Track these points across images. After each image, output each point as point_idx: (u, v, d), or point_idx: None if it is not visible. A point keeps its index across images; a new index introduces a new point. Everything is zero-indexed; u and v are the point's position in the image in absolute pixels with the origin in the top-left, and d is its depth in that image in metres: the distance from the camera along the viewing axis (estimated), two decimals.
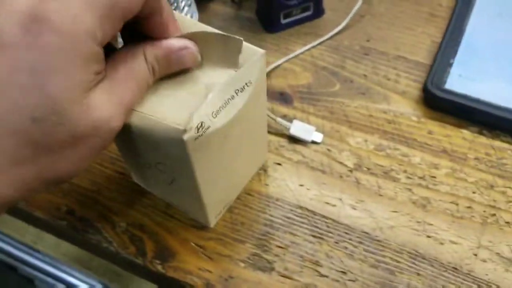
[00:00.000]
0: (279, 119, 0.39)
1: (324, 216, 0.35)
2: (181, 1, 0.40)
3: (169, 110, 0.26)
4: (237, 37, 0.26)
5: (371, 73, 0.43)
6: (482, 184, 0.36)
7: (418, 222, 0.34)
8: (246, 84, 0.28)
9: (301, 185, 0.36)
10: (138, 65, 0.25)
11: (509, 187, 0.36)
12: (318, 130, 0.39)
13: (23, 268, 0.72)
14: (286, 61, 0.44)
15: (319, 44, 0.45)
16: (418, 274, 0.32)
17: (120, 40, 0.28)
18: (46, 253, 0.62)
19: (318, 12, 0.47)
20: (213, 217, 0.34)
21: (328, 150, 0.38)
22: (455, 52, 0.41)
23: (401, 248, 0.33)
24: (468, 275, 0.32)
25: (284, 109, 0.41)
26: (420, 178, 0.36)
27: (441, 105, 0.39)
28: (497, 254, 0.32)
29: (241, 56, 0.27)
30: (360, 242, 0.33)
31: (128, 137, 0.28)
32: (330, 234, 0.34)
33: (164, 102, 0.26)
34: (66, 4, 0.20)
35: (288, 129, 0.38)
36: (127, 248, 0.34)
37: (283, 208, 0.35)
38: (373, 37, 0.45)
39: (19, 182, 0.21)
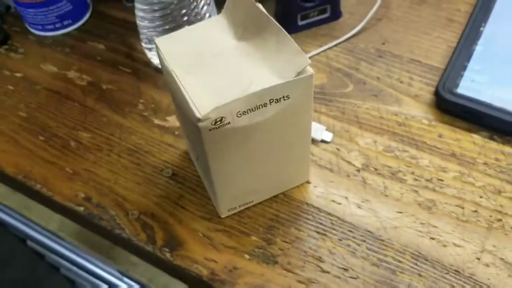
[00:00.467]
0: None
1: (329, 214, 0.35)
2: (200, 0, 0.41)
3: (204, 92, 0.27)
4: (308, 57, 0.27)
5: (384, 76, 0.43)
6: (489, 189, 0.36)
7: (422, 223, 0.34)
8: (283, 97, 0.28)
9: (309, 182, 0.37)
10: None
11: None
12: (328, 129, 0.39)
13: (50, 256, 0.75)
14: None
15: (335, 46, 0.46)
16: (420, 275, 0.32)
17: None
18: (70, 241, 0.65)
19: (335, 14, 0.47)
20: (225, 209, 0.35)
21: (337, 149, 0.39)
22: (469, 57, 0.41)
23: (404, 248, 0.33)
24: (470, 279, 0.32)
25: None
26: (427, 180, 0.36)
27: (453, 109, 0.39)
28: (501, 259, 0.33)
29: (292, 67, 0.28)
30: (363, 241, 0.34)
31: (177, 100, 0.30)
32: (334, 231, 0.34)
33: (207, 82, 0.28)
34: None
35: None
36: (138, 235, 0.35)
37: (290, 204, 0.36)
38: (388, 40, 0.46)
39: None
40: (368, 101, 0.42)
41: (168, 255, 0.34)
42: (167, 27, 0.41)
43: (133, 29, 0.48)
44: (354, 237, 0.34)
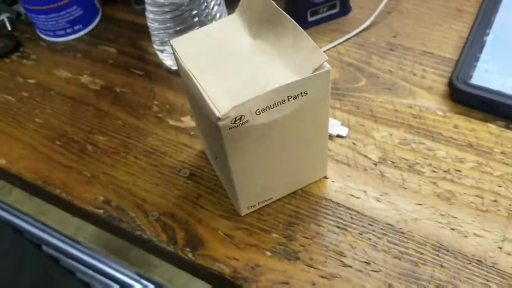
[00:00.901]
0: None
1: (348, 208, 0.35)
2: (211, 1, 0.41)
3: (222, 92, 0.27)
4: (324, 54, 0.27)
5: (396, 69, 0.43)
6: (508, 178, 0.36)
7: (442, 215, 0.34)
8: (301, 93, 0.28)
9: (326, 178, 0.37)
10: None
11: None
12: (343, 124, 0.40)
13: (66, 260, 0.76)
14: None
15: (346, 40, 0.46)
16: (442, 266, 0.32)
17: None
18: (86, 245, 0.65)
19: (345, 9, 0.47)
20: (245, 207, 0.35)
21: (353, 144, 0.39)
22: (481, 47, 0.41)
23: (425, 240, 0.33)
24: (492, 268, 0.32)
25: None
26: (445, 171, 0.36)
27: (467, 99, 0.39)
28: None
29: (309, 63, 0.28)
30: (384, 234, 0.34)
31: (194, 100, 0.31)
32: (354, 226, 0.35)
33: (224, 81, 0.28)
34: None
35: None
36: (159, 236, 0.36)
37: (309, 200, 0.36)
38: (399, 33, 0.46)
39: None
40: (382, 94, 0.42)
41: (190, 254, 0.35)
42: (178, 28, 0.41)
43: (143, 31, 0.48)
44: (374, 231, 0.34)
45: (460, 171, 0.36)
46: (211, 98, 0.27)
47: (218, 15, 0.43)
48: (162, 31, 0.42)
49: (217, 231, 0.35)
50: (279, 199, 0.36)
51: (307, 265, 0.33)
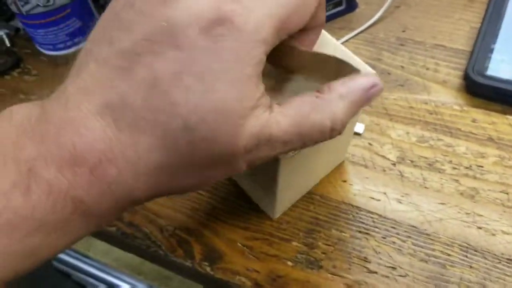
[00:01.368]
0: None
1: (369, 211, 0.34)
2: None
3: None
4: (356, 67, 0.25)
5: (408, 64, 0.42)
6: None
7: (467, 213, 0.33)
8: None
9: (344, 181, 0.36)
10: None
11: None
12: (358, 122, 0.38)
13: (77, 275, 0.75)
14: None
15: (354, 37, 0.44)
16: (471, 267, 0.31)
17: None
18: (97, 260, 0.64)
19: (351, 6, 0.46)
20: (280, 211, 0.35)
21: (369, 144, 0.38)
22: (495, 37, 0.40)
23: (451, 241, 0.32)
24: None
25: None
26: (467, 168, 0.35)
27: (484, 92, 0.38)
28: None
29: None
30: (408, 236, 0.33)
31: None
32: (376, 229, 0.33)
33: None
34: (251, 8, 0.19)
35: None
36: (175, 251, 0.34)
37: (328, 205, 0.35)
38: (408, 27, 0.45)
39: (152, 189, 0.20)
40: (395, 91, 0.40)
41: (208, 269, 0.33)
42: None
43: None
44: (398, 234, 0.33)
45: (482, 166, 0.35)
46: None
47: None
48: None
49: (235, 243, 0.34)
50: (296, 206, 0.35)
51: (330, 274, 0.32)
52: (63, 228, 0.19)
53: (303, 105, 0.21)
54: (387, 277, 0.31)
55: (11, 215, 0.18)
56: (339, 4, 0.45)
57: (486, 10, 0.42)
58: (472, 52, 0.39)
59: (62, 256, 0.72)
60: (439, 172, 0.35)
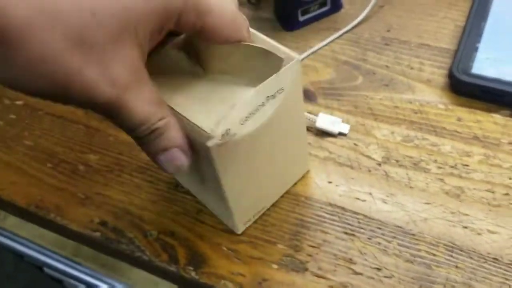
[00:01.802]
0: (305, 114, 0.38)
1: (355, 212, 0.34)
2: None
3: (199, 113, 0.26)
4: (279, 55, 0.26)
5: (393, 64, 0.42)
6: None
7: (452, 213, 0.33)
8: (278, 91, 0.27)
9: (330, 182, 0.36)
10: None
11: None
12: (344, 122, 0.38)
13: (68, 281, 0.74)
14: (307, 58, 0.43)
15: (339, 38, 0.44)
16: (457, 267, 0.31)
17: None
18: (87, 265, 0.64)
19: (336, 6, 0.46)
20: (242, 224, 0.34)
21: (355, 144, 0.37)
22: (480, 35, 0.40)
23: (437, 240, 0.32)
24: (510, 266, 0.30)
25: (308, 107, 0.40)
26: (452, 167, 0.35)
27: (469, 90, 0.38)
28: None
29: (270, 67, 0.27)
30: (394, 237, 0.32)
31: None
32: (362, 230, 0.33)
33: (196, 104, 0.26)
34: None
35: (314, 122, 0.38)
36: (160, 256, 0.34)
37: (313, 206, 0.35)
38: (393, 26, 0.44)
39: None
40: (380, 91, 0.40)
41: (193, 273, 0.33)
42: None
43: None
44: (383, 234, 0.33)
45: (467, 165, 0.35)
46: (192, 119, 0.25)
47: None
48: None
49: (220, 246, 0.34)
50: (281, 208, 0.35)
51: (316, 276, 0.32)
52: None
53: None
54: (372, 278, 0.31)
55: None
56: (324, 4, 0.45)
57: (471, 9, 0.42)
58: (456, 51, 0.39)
59: (54, 262, 0.71)
60: (424, 171, 0.35)
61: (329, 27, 0.46)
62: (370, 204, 0.34)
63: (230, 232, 0.34)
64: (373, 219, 0.33)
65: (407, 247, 0.32)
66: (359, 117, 0.39)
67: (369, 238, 0.33)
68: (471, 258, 0.31)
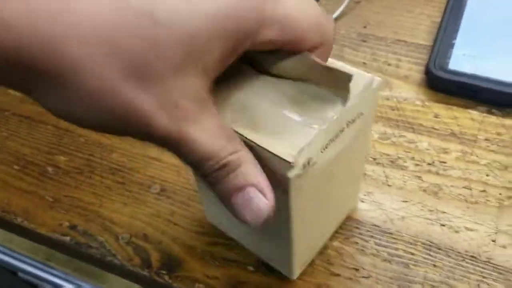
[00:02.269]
0: None
1: None
2: None
3: (271, 137, 0.21)
4: (346, 71, 0.21)
5: (370, 60, 0.41)
6: (495, 166, 0.34)
7: (430, 210, 0.32)
8: (358, 115, 0.24)
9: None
10: None
11: None
12: None
13: (43, 285, 0.73)
14: None
15: None
16: (435, 266, 0.30)
17: None
18: (61, 270, 0.62)
19: None
20: (298, 267, 0.30)
21: None
22: (456, 31, 0.39)
23: (415, 239, 0.31)
24: (488, 263, 0.30)
25: None
26: (429, 164, 0.35)
27: (446, 86, 0.37)
28: None
29: (354, 84, 0.23)
30: (371, 236, 0.32)
31: None
32: (340, 230, 0.32)
33: (266, 127, 0.22)
34: None
35: None
36: (132, 260, 0.33)
37: None
38: (370, 23, 0.44)
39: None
40: None
41: (166, 277, 0.32)
42: None
43: None
44: (361, 234, 0.32)
45: (445, 162, 0.35)
46: (265, 146, 0.21)
47: None
48: None
49: (195, 249, 0.33)
50: None
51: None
52: None
53: None
54: (350, 279, 0.30)
55: None
56: None
57: (447, 5, 0.41)
58: (433, 47, 0.39)
59: (26, 267, 0.70)
60: (402, 169, 0.35)
61: None
62: None
63: (205, 233, 0.33)
64: (351, 218, 0.33)
65: (385, 246, 0.31)
66: None
67: (346, 238, 0.32)
68: (449, 256, 0.31)
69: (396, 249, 0.31)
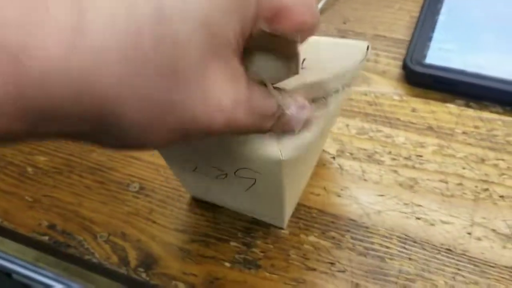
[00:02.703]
0: None
1: (308, 207, 0.33)
2: None
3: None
4: (291, 36, 0.19)
5: None
6: (472, 159, 0.34)
7: (406, 204, 0.32)
8: (346, 84, 0.24)
9: None
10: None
11: (502, 159, 0.34)
12: None
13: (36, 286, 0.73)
14: None
15: None
16: (410, 259, 0.30)
17: None
18: (50, 270, 0.62)
19: None
20: (287, 218, 0.32)
21: None
22: (434, 25, 0.39)
23: (390, 233, 0.31)
24: (463, 256, 0.30)
25: None
26: (406, 158, 0.35)
27: (423, 80, 0.37)
28: (493, 230, 0.31)
29: (346, 52, 0.24)
30: (347, 230, 0.32)
31: (201, 150, 0.25)
32: (316, 225, 0.32)
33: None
34: None
35: None
36: (110, 258, 0.33)
37: None
38: (349, 19, 0.44)
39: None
40: None
41: (143, 275, 0.32)
42: None
43: None
44: (337, 228, 0.32)
45: (421, 156, 0.35)
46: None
47: None
48: None
49: (172, 246, 0.33)
50: None
51: (269, 273, 0.31)
52: None
53: None
54: (326, 273, 0.30)
55: None
56: None
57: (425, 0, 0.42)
58: (410, 42, 0.39)
59: (18, 268, 0.70)
60: (378, 163, 0.35)
61: None
62: (324, 198, 0.33)
63: (182, 231, 0.33)
64: (327, 213, 0.33)
65: (361, 240, 0.31)
66: None
67: (323, 233, 0.32)
68: (424, 249, 0.31)
69: (372, 243, 0.31)
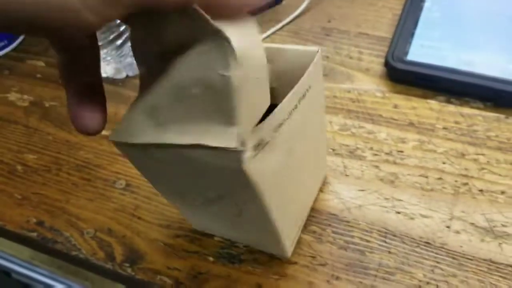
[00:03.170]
0: None
1: None
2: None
3: (214, 130, 0.20)
4: (215, 26, 0.18)
5: (333, 54, 0.42)
6: (452, 154, 0.35)
7: (386, 198, 0.33)
8: (307, 90, 0.24)
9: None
10: None
11: (481, 154, 0.34)
12: None
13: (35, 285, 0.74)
14: None
15: (280, 29, 0.44)
16: (389, 252, 0.31)
17: None
18: (45, 268, 0.63)
19: None
20: (289, 245, 0.30)
21: None
22: (415, 23, 0.40)
23: (371, 227, 0.32)
24: (442, 249, 0.31)
25: None
26: (387, 154, 0.35)
27: (405, 77, 0.38)
28: (471, 224, 0.31)
29: (294, 59, 0.24)
30: (328, 225, 0.32)
31: (180, 176, 0.24)
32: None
33: (194, 126, 0.20)
34: None
35: None
36: (96, 254, 0.34)
37: None
38: (334, 17, 0.45)
39: None
40: None
41: (129, 270, 0.33)
42: (110, 37, 0.40)
43: None
44: (318, 222, 0.33)
45: (402, 151, 0.35)
46: (209, 142, 0.20)
47: None
48: None
49: (157, 242, 0.34)
50: None
51: (251, 267, 0.32)
52: None
53: None
54: (307, 267, 0.31)
55: None
56: None
57: None
58: (392, 38, 0.39)
59: (16, 267, 0.71)
60: (360, 159, 0.35)
61: (271, 18, 0.46)
62: None
63: (167, 226, 0.34)
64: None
65: (341, 234, 0.32)
66: None
67: (304, 227, 0.33)
68: (403, 242, 0.31)
69: (352, 236, 0.32)
